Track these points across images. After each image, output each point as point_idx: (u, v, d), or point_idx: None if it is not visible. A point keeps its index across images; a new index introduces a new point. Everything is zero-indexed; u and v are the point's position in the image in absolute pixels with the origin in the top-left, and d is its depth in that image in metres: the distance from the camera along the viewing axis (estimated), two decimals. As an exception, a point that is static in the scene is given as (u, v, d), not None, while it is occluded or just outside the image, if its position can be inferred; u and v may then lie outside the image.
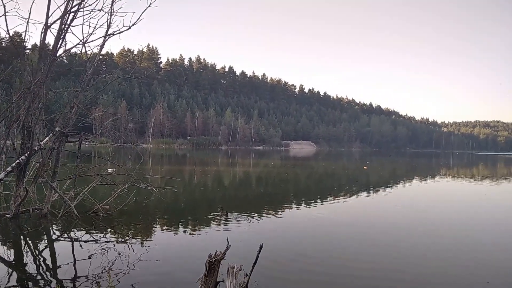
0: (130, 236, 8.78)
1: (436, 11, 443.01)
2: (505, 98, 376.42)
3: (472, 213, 13.77)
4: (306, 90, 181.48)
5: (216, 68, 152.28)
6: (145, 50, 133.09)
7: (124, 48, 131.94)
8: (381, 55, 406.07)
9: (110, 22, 10.58)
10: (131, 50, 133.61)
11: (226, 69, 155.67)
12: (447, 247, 8.61)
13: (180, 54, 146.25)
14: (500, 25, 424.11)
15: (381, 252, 8.08)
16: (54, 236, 8.70)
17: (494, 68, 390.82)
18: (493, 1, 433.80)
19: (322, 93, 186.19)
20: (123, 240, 8.37)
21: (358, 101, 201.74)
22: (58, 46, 10.04)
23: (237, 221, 10.53)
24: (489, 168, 49.32)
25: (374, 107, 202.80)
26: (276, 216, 11.53)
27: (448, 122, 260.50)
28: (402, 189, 21.44)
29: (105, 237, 8.44)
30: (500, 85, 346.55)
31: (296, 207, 13.61)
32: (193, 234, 9.19)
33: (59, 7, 9.84)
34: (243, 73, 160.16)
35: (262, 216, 11.43)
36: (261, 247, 5.21)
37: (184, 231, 9.43)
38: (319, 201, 15.31)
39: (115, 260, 6.79)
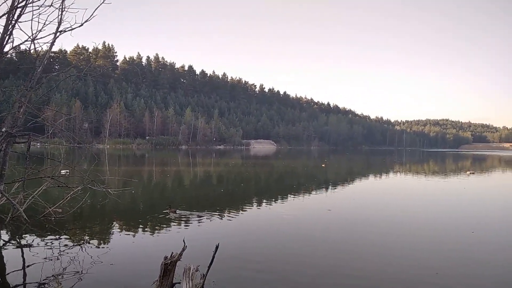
0: (85, 240, 8.49)
1: (391, 12, 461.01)
2: (453, 98, 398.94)
3: (422, 206, 14.49)
4: (266, 90, 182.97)
5: (176, 67, 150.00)
6: (100, 48, 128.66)
7: (78, 45, 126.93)
8: (339, 55, 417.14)
9: (61, 19, 10.18)
10: (86, 48, 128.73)
11: (186, 68, 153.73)
12: (404, 239, 9.05)
13: (138, 53, 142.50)
14: (454, 23, 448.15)
15: (340, 248, 8.34)
16: (1, 242, 8.25)
17: (443, 68, 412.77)
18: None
19: (282, 92, 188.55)
20: (77, 244, 8.08)
21: (316, 101, 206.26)
22: (5, 43, 9.52)
23: (196, 221, 10.47)
24: (438, 164, 52.03)
25: (332, 106, 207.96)
26: (235, 215, 11.59)
27: (401, 120, 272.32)
28: (359, 185, 22.19)
29: (57, 242, 8.12)
30: (453, 84, 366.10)
31: (257, 206, 13.73)
32: (150, 236, 9.04)
33: (5, 1, 9.33)
34: (203, 72, 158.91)
35: (222, 215, 11.44)
36: (217, 247, 5.23)
37: (142, 233, 9.24)
38: (279, 199, 15.51)
39: (67, 266, 6.56)
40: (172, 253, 5.19)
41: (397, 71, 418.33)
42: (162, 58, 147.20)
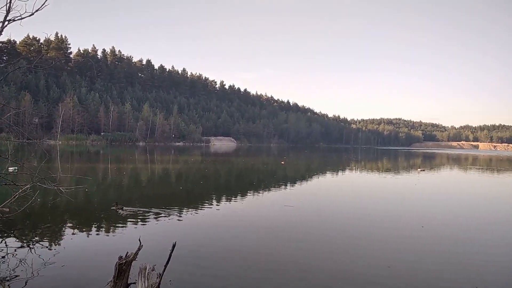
0: (34, 240, 8.09)
1: (348, 9, 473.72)
2: (405, 98, 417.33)
3: (376, 202, 15.07)
4: (227, 87, 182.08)
5: (133, 61, 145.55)
6: (52, 39, 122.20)
7: (28, 36, 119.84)
8: (299, 54, 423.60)
9: (9, 7, 9.56)
10: (37, 39, 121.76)
11: (144, 62, 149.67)
12: (358, 234, 9.37)
13: (93, 45, 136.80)
14: (410, 26, 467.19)
15: (298, 243, 8.48)
16: None
17: (397, 70, 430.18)
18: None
19: (242, 90, 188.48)
20: (26, 245, 7.68)
21: (276, 99, 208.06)
22: None
23: (153, 219, 10.28)
24: (391, 162, 54.24)
25: (291, 104, 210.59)
26: (194, 213, 11.49)
27: (357, 119, 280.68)
28: (317, 182, 22.68)
29: (4, 243, 7.68)
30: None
31: (216, 203, 13.66)
32: (105, 235, 8.77)
33: None
34: (161, 67, 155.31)
35: (180, 213, 11.31)
36: (174, 246, 5.16)
37: (96, 233, 8.94)
38: (239, 196, 15.54)
39: (15, 268, 6.22)
40: (127, 252, 5.06)
41: (354, 71, 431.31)
42: (119, 51, 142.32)
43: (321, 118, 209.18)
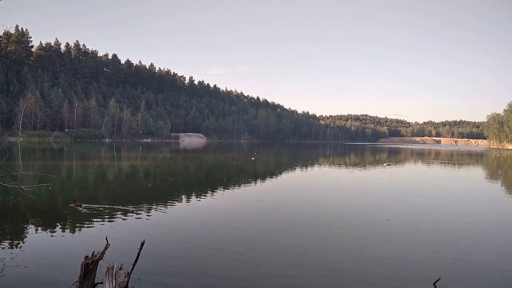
0: (-7, 242, 7.70)
1: (320, 6, 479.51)
2: (371, 94, 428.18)
3: (344, 197, 15.38)
4: (196, 82, 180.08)
5: (98, 55, 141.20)
6: (12, 32, 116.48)
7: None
8: (268, 50, 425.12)
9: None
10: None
11: (110, 57, 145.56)
12: (326, 228, 9.51)
13: (56, 39, 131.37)
14: (382, 26, 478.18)
15: (269, 239, 8.51)
16: None
17: (364, 66, 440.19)
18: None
19: (212, 86, 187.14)
20: (-17, 247, 7.30)
21: (246, 95, 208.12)
22: None
23: (120, 217, 10.03)
24: (359, 157, 55.51)
25: (261, 100, 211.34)
26: (163, 210, 11.30)
27: (325, 115, 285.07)
28: (287, 177, 22.87)
29: (-41, 246, 7.27)
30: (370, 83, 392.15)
31: (186, 200, 13.51)
32: (70, 234, 8.47)
33: None
34: (128, 62, 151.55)
35: (149, 210, 11.10)
36: (142, 244, 5.05)
37: (61, 232, 8.62)
38: (209, 192, 15.43)
39: (-28, 271, 5.90)
40: (94, 252, 4.90)
41: (322, 68, 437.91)
42: (83, 45, 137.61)
43: (291, 114, 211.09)
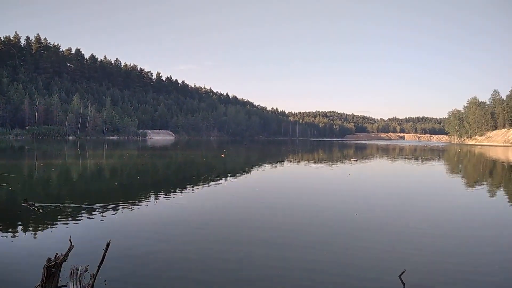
0: None
1: (289, 5, 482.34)
2: (339, 91, 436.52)
3: (312, 192, 15.57)
4: (163, 78, 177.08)
5: (61, 50, 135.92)
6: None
7: None
8: (237, 46, 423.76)
9: None
10: None
11: (73, 52, 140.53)
12: (295, 223, 9.57)
13: (15, 32, 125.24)
14: (351, 27, 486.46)
15: (240, 237, 8.45)
16: None
17: (330, 64, 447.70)
18: None
19: (180, 82, 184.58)
20: None
21: (215, 91, 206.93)
22: None
23: (85, 217, 9.68)
24: (327, 153, 56.44)
25: (230, 97, 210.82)
26: (131, 209, 11.00)
27: (294, 112, 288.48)
28: (257, 174, 22.89)
29: None
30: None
31: (154, 198, 13.23)
32: (32, 236, 8.09)
33: None
34: (92, 56, 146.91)
35: (116, 210, 10.78)
36: (108, 244, 4.86)
37: (22, 234, 8.21)
38: (178, 190, 15.19)
39: None
40: (57, 254, 4.68)
41: (291, 65, 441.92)
42: (45, 39, 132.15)
43: (260, 111, 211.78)
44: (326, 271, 6.38)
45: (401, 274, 6.02)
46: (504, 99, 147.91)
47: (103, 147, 56.14)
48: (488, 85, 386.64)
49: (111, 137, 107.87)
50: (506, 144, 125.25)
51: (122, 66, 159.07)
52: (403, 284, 5.79)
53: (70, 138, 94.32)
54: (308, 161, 35.98)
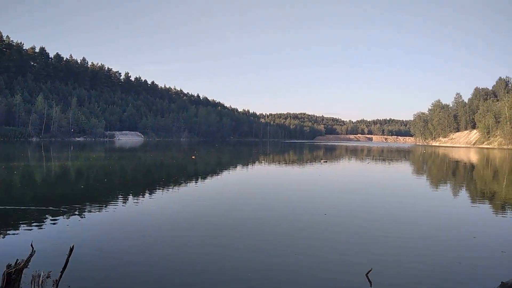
0: None
1: (261, 9, 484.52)
2: (309, 93, 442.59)
3: (283, 193, 15.69)
4: (132, 79, 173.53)
5: (24, 48, 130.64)
6: None
7: None
8: (209, 47, 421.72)
9: None
10: None
11: (37, 50, 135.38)
12: (265, 225, 9.61)
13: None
14: (317, 29, 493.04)
15: (208, 242, 8.39)
16: None
17: (300, 65, 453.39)
18: None
19: (149, 82, 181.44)
20: None
21: (186, 92, 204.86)
22: None
23: (49, 221, 9.34)
24: (297, 154, 57.04)
25: (201, 98, 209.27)
26: (97, 213, 10.71)
27: (266, 113, 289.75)
28: (228, 175, 22.82)
29: None
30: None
31: (122, 201, 12.92)
32: (-10, 242, 7.71)
33: None
34: (58, 55, 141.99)
35: (81, 213, 10.46)
36: (71, 249, 4.71)
37: (-22, 241, 7.82)
38: (147, 193, 14.90)
39: None
40: (17, 260, 4.48)
41: (262, 67, 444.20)
42: (7, 37, 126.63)
43: (232, 112, 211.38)
44: (296, 272, 6.44)
45: (367, 273, 6.17)
46: (466, 102, 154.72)
47: (69, 149, 54.38)
48: (452, 89, 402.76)
49: (77, 139, 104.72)
50: (468, 146, 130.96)
51: (89, 66, 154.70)
52: (370, 282, 5.93)
53: (34, 139, 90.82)
54: (279, 163, 36.23)
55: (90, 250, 7.11)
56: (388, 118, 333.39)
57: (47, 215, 9.99)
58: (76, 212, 10.54)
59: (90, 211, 10.82)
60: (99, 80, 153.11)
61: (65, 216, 9.96)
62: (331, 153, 59.81)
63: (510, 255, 7.50)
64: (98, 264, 6.48)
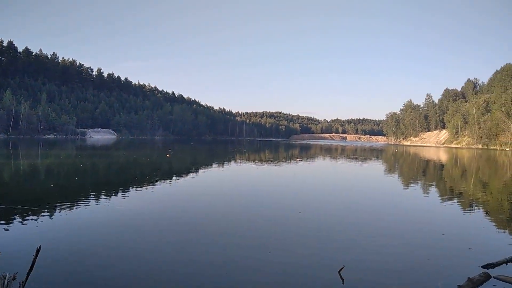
0: None
1: (235, 9, 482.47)
2: (284, 92, 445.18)
3: (258, 192, 15.73)
4: (105, 75, 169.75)
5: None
6: None
7: None
8: (185, 45, 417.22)
9: None
10: None
11: (5, 44, 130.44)
12: (240, 223, 9.58)
13: None
14: (291, 30, 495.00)
15: (180, 246, 8.29)
16: None
17: (276, 63, 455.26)
18: None
19: (123, 79, 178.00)
20: None
21: (160, 89, 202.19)
22: None
23: (15, 221, 9.00)
24: (273, 153, 57.30)
25: (176, 96, 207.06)
26: (67, 213, 10.39)
27: (241, 112, 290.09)
28: (203, 174, 22.64)
29: None
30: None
31: (94, 200, 12.58)
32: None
33: None
34: (27, 50, 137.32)
35: (51, 213, 10.13)
36: (38, 250, 4.55)
37: None
38: (119, 192, 14.59)
39: None
40: (-20, 263, 4.29)
41: (238, 65, 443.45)
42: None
43: (207, 111, 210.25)
44: (269, 269, 6.45)
45: (340, 270, 6.25)
46: (436, 102, 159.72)
47: (38, 147, 52.65)
48: (423, 89, 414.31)
49: (47, 136, 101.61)
50: (437, 145, 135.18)
51: (59, 61, 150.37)
52: (342, 279, 6.01)
53: (1, 136, 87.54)
54: (255, 161, 36.28)
55: (58, 251, 6.89)
56: (361, 118, 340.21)
57: (14, 215, 9.63)
58: (45, 212, 10.20)
59: (60, 211, 10.50)
60: (70, 76, 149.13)
61: (33, 216, 9.62)
62: (306, 152, 60.39)
63: (477, 251, 7.77)
64: (66, 266, 6.28)
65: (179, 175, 21.40)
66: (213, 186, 17.35)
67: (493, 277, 6.19)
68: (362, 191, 17.18)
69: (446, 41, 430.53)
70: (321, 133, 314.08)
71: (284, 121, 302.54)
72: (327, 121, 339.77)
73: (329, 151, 64.54)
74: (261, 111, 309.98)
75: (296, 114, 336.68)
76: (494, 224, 10.63)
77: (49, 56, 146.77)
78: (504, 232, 9.70)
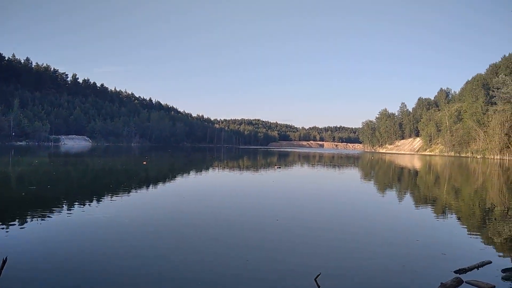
0: None
1: (220, 10, 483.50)
2: (263, 99, 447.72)
3: (235, 199, 15.66)
4: (80, 81, 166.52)
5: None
6: None
7: None
8: (164, 49, 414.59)
9: None
10: None
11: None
12: (215, 230, 9.50)
13: None
14: (277, 32, 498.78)
15: (155, 254, 8.15)
16: None
17: (253, 69, 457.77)
18: None
19: (99, 85, 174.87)
20: None
21: (137, 96, 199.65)
22: None
23: (-16, 232, 8.64)
24: (251, 160, 57.30)
25: (154, 102, 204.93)
26: (38, 222, 10.04)
27: (220, 119, 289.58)
28: (180, 182, 22.39)
29: None
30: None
31: (67, 209, 12.21)
32: None
33: None
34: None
35: (21, 223, 9.77)
36: (4, 261, 4.38)
37: None
38: (94, 200, 14.23)
39: None
40: None
41: (215, 71, 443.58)
42: None
43: (185, 118, 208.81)
44: (246, 278, 6.41)
45: (316, 277, 6.26)
46: (411, 111, 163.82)
47: (9, 154, 50.93)
48: (397, 98, 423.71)
49: (19, 143, 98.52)
50: (412, 152, 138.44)
51: (33, 66, 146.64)
52: (318, 286, 6.02)
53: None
54: (233, 168, 36.17)
55: (26, 263, 6.64)
56: (338, 126, 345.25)
57: (-20, 226, 9.24)
58: (15, 221, 9.84)
59: (31, 220, 10.14)
60: (44, 81, 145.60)
61: (1, 225, 9.26)
62: (284, 159, 60.67)
63: (450, 257, 7.95)
64: (35, 277, 6.06)
65: (155, 183, 21.10)
66: (189, 193, 17.17)
67: (465, 282, 6.34)
68: (339, 198, 17.37)
69: (420, 51, 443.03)
70: (299, 140, 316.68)
71: (262, 129, 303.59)
72: (305, 128, 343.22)
73: (307, 159, 65.06)
74: (239, 118, 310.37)
75: (274, 122, 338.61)
76: (466, 230, 10.93)
77: (22, 61, 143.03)
78: (476, 237, 9.98)
